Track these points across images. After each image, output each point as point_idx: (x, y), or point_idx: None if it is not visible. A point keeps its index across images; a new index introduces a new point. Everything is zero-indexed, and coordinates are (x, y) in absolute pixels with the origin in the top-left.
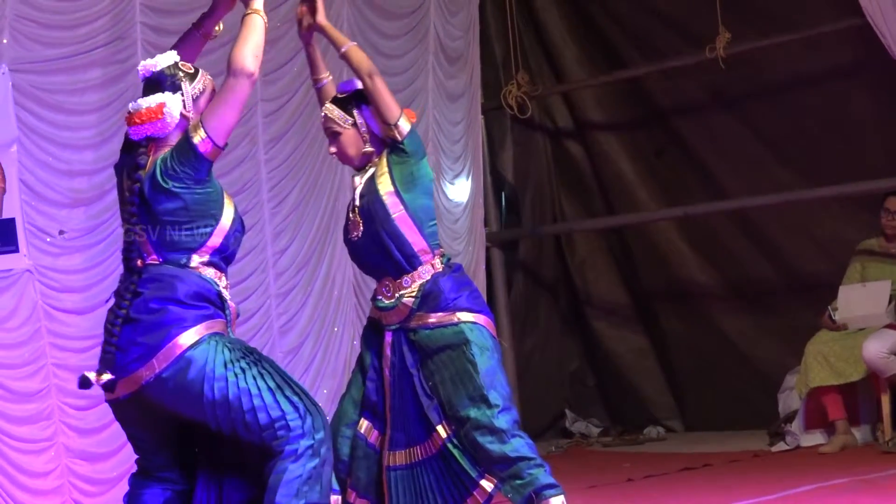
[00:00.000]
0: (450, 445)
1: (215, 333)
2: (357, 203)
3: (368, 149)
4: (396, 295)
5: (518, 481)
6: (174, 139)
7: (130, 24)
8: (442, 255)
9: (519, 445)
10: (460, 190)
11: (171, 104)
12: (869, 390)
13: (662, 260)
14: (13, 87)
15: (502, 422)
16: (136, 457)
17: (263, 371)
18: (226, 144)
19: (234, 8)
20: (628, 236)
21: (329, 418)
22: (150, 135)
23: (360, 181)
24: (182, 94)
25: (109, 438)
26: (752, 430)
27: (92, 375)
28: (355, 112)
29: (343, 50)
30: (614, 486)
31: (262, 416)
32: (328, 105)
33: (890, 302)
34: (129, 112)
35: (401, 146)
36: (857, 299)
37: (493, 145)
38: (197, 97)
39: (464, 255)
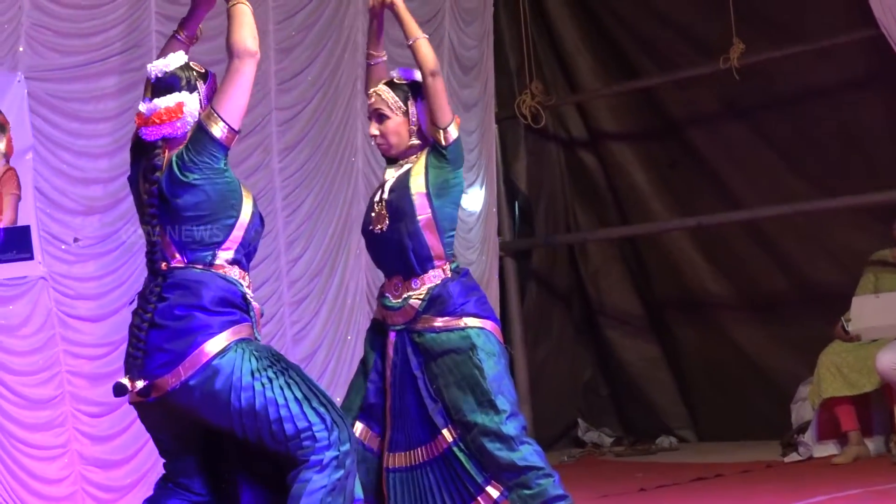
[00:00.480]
0: (455, 449)
1: (242, 339)
2: (385, 197)
3: (414, 142)
4: (404, 296)
5: (526, 491)
6: (186, 138)
7: (146, 33)
8: (452, 263)
9: (528, 453)
10: (474, 199)
11: (190, 104)
12: (882, 401)
13: (675, 270)
14: (29, 94)
15: (510, 428)
16: (149, 465)
17: (291, 381)
18: (240, 130)
19: (215, 6)
20: (642, 246)
21: None
22: (167, 135)
23: (392, 175)
24: (199, 94)
25: (123, 446)
26: (765, 441)
27: (126, 382)
28: (409, 102)
29: (411, 42)
30: (626, 496)
31: (288, 427)
32: (382, 87)
33: None
34: (143, 113)
35: (443, 151)
36: (870, 310)
37: (506, 155)
38: (209, 96)
39: (477, 264)
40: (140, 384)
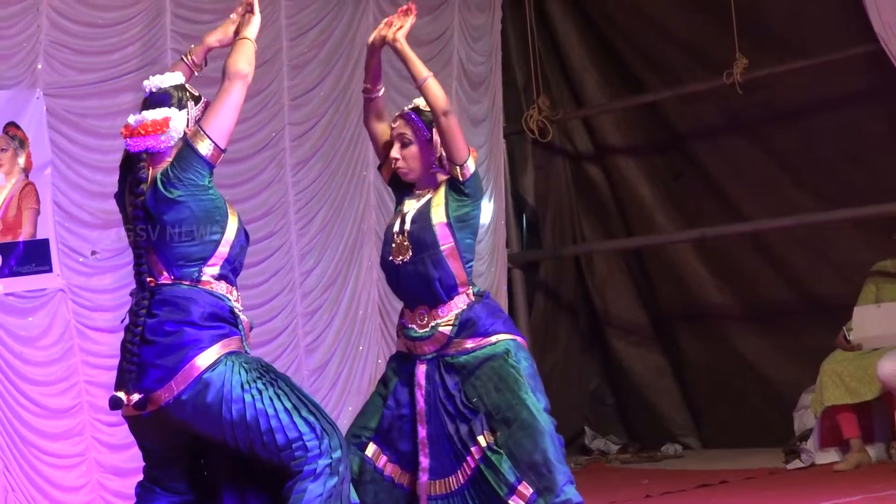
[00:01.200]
0: (489, 453)
1: (232, 353)
2: (407, 228)
3: (434, 171)
4: (431, 324)
5: (552, 498)
6: (170, 155)
7: (161, 51)
8: (474, 287)
9: (558, 452)
10: (483, 212)
11: (177, 120)
12: (883, 409)
13: (680, 281)
14: (47, 111)
15: (545, 424)
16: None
17: (280, 392)
18: (226, 149)
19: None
20: (647, 258)
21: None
22: (150, 148)
23: (412, 206)
24: (187, 113)
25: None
26: (768, 448)
27: (122, 396)
28: (434, 130)
29: (420, 83)
30: (632, 503)
31: (279, 437)
32: (409, 113)
33: None
34: (131, 124)
35: (462, 186)
36: (871, 320)
37: (514, 168)
38: (198, 118)
39: (486, 275)
40: (136, 398)
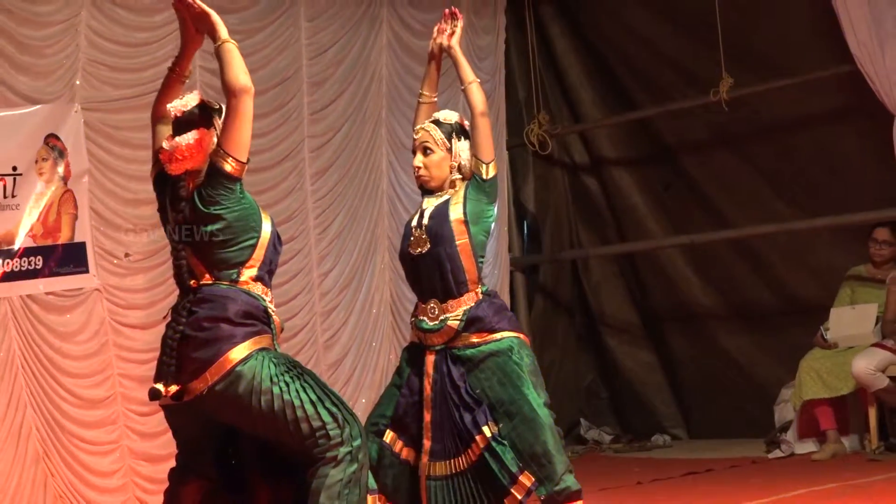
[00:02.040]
0: (494, 443)
1: (263, 349)
2: (425, 223)
3: (454, 176)
4: (441, 318)
5: (552, 486)
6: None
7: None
8: (483, 286)
9: (557, 444)
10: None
11: (208, 138)
12: (857, 403)
13: (669, 283)
14: (85, 123)
15: (545, 418)
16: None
17: (305, 384)
18: (248, 160)
19: (202, 44)
20: (638, 262)
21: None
22: (190, 168)
23: (430, 204)
24: (215, 129)
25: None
26: (751, 439)
27: (160, 387)
28: (453, 140)
29: (465, 85)
30: (625, 489)
31: (304, 427)
32: (429, 124)
33: (876, 323)
34: (167, 150)
35: (483, 184)
36: (846, 320)
37: (516, 179)
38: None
39: (490, 277)
40: (173, 389)
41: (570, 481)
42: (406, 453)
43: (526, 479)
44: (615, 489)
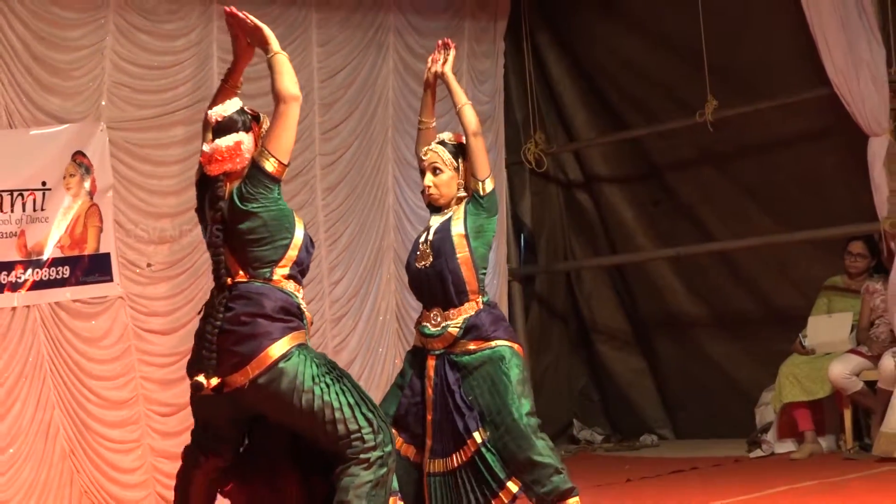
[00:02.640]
0: (483, 449)
1: (301, 345)
2: (430, 238)
3: (461, 194)
4: (443, 324)
5: (540, 489)
6: (242, 172)
7: (209, 90)
8: (484, 297)
9: (542, 448)
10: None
11: (247, 143)
12: (833, 406)
13: (657, 293)
14: (110, 141)
15: (529, 427)
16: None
17: (345, 388)
18: (289, 163)
19: (253, 56)
20: (628, 273)
21: None
22: (228, 170)
23: (436, 221)
24: (253, 134)
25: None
26: (733, 439)
27: (203, 379)
28: (459, 160)
29: (459, 107)
30: (615, 486)
31: (340, 428)
32: (437, 146)
33: (852, 330)
34: (207, 152)
35: (480, 200)
36: (823, 328)
37: (514, 194)
38: (262, 135)
39: (489, 287)
40: (215, 382)
41: (558, 481)
42: (405, 449)
43: (513, 485)
44: (607, 486)
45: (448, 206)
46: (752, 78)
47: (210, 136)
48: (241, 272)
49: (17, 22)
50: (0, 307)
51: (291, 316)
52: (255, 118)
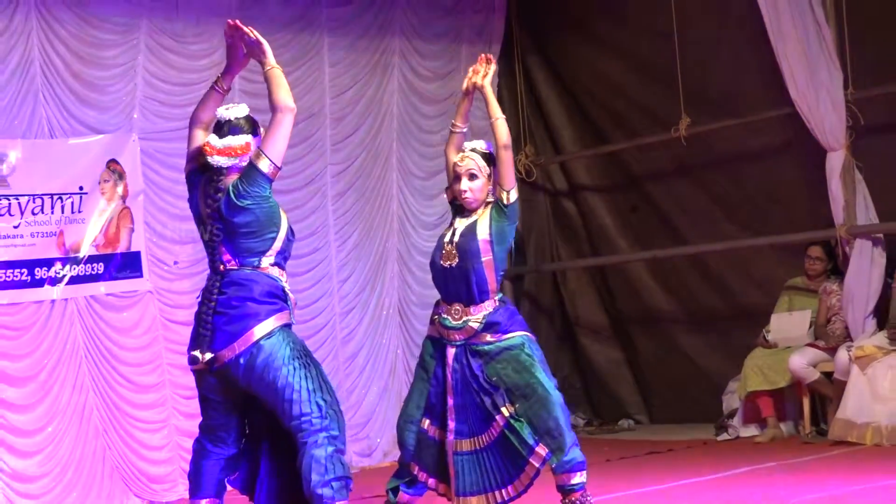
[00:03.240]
0: (513, 420)
1: (285, 325)
2: (456, 240)
3: (490, 199)
4: (464, 319)
5: (563, 456)
6: (238, 170)
7: (229, 104)
8: (499, 294)
9: (568, 420)
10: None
11: (253, 144)
12: (793, 394)
13: (635, 291)
14: (141, 151)
15: (556, 398)
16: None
17: (309, 375)
18: (281, 166)
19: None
20: (608, 273)
21: (373, 410)
22: (233, 166)
23: (461, 223)
24: (257, 137)
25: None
26: (703, 424)
27: (198, 354)
28: (492, 168)
29: (493, 120)
30: (595, 466)
31: (294, 409)
32: (472, 153)
33: (810, 326)
34: (216, 146)
35: (505, 208)
36: (785, 324)
37: None
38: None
39: None
40: (208, 356)
41: (576, 453)
42: (435, 432)
43: (542, 450)
44: (588, 465)
45: (477, 209)
46: (721, 98)
47: (209, 133)
48: (232, 260)
49: (59, 43)
50: (41, 300)
51: (276, 299)
52: (257, 125)
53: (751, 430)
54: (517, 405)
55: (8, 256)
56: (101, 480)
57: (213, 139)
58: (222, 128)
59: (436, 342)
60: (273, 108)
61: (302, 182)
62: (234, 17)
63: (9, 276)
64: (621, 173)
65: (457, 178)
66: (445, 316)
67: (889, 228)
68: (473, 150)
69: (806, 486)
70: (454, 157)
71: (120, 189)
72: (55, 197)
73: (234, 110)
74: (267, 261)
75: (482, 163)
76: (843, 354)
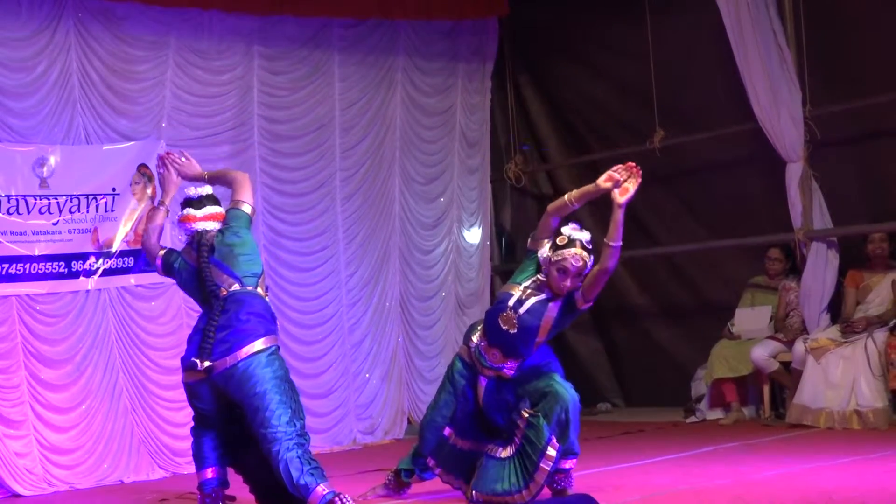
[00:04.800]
0: (531, 418)
1: (276, 347)
2: (521, 312)
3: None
4: (499, 364)
5: (566, 443)
6: (214, 230)
7: (250, 115)
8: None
9: (575, 414)
10: (474, 235)
11: (221, 213)
12: (755, 382)
13: (613, 288)
14: None
15: (573, 394)
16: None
17: (285, 395)
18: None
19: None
20: None
21: (376, 392)
22: (211, 228)
23: (533, 297)
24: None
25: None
26: (673, 407)
27: (197, 361)
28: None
29: (612, 243)
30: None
31: (267, 417)
32: (584, 252)
33: (770, 321)
34: (197, 215)
35: (577, 310)
36: (747, 318)
37: (497, 205)
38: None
39: (475, 281)
40: (206, 364)
41: (575, 444)
42: (457, 441)
43: (552, 449)
44: None
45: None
46: (692, 113)
47: (161, 237)
48: (235, 284)
49: (95, 58)
50: (76, 290)
51: (272, 320)
52: (217, 199)
53: (716, 414)
54: (539, 405)
55: (48, 251)
56: (129, 454)
57: (192, 211)
58: (201, 201)
59: (467, 365)
60: (234, 186)
61: (314, 186)
62: (254, 38)
63: (48, 269)
64: None
65: (563, 271)
66: (485, 355)
67: (842, 232)
68: (584, 247)
69: (765, 464)
70: (565, 242)
71: (149, 191)
72: (90, 197)
73: (203, 189)
74: (261, 287)
75: (589, 262)
76: (799, 346)
